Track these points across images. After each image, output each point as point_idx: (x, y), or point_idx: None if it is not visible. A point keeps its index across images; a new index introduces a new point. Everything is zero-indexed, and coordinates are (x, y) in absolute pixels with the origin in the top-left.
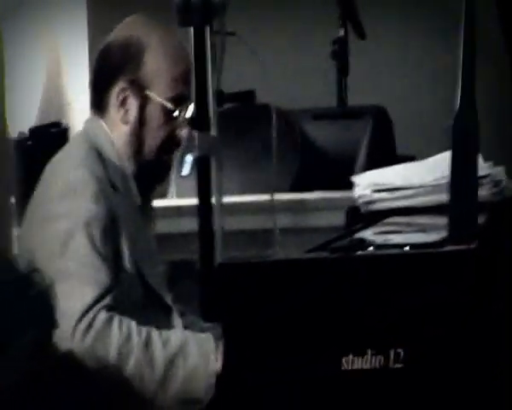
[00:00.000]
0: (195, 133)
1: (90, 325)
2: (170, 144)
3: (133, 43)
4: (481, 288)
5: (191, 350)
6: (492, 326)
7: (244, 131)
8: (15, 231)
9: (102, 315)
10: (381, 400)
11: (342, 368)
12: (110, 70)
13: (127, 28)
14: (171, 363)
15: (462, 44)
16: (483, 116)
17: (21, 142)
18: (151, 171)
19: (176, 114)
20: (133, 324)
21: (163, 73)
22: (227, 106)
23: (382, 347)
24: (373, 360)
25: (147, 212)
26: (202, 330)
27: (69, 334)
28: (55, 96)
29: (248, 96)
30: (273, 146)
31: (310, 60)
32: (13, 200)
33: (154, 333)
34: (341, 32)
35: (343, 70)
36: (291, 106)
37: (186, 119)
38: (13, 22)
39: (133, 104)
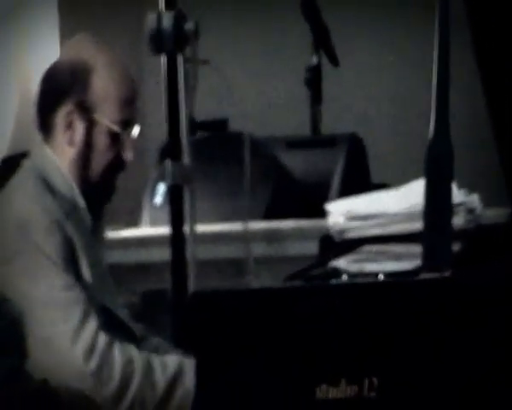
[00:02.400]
0: (168, 162)
1: (91, 349)
2: (115, 166)
3: (80, 65)
4: (456, 316)
5: (188, 372)
6: (468, 354)
7: (217, 159)
8: None
9: (103, 338)
10: None
11: (316, 397)
12: (56, 92)
13: (74, 50)
14: (170, 385)
15: (436, 71)
16: (457, 143)
17: None
18: (97, 192)
19: (122, 136)
20: (133, 348)
21: (110, 96)
22: (199, 134)
23: (356, 376)
24: (347, 390)
25: (98, 233)
26: (167, 353)
27: (66, 359)
28: (26, 125)
29: (221, 124)
30: (246, 174)
31: (284, 88)
32: None
33: (153, 357)
34: (314, 60)
35: (316, 98)
36: (264, 134)
37: (132, 141)
38: None
39: (79, 127)
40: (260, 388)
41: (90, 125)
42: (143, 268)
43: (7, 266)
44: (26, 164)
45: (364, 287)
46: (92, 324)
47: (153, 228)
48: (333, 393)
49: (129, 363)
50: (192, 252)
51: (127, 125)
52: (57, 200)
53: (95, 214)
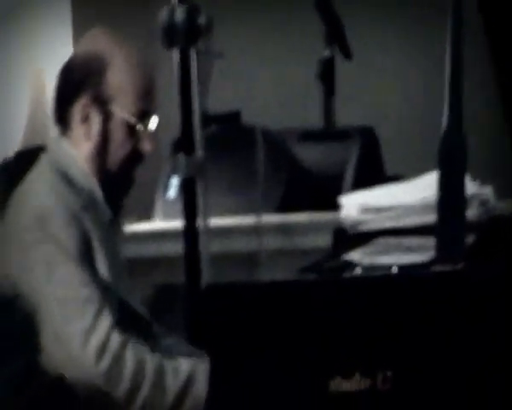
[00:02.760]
0: (181, 155)
1: (103, 349)
2: (133, 158)
3: (95, 59)
4: (469, 309)
5: (200, 378)
6: (481, 347)
7: (230, 152)
8: None
9: (116, 338)
10: None
11: (330, 390)
12: (73, 86)
13: (89, 43)
14: (182, 391)
15: (450, 63)
16: (471, 134)
17: (6, 166)
18: (115, 185)
19: (139, 128)
20: (146, 350)
21: (126, 89)
22: (213, 127)
23: (370, 369)
24: (361, 383)
25: (116, 226)
26: (181, 353)
27: (78, 357)
28: (39, 120)
29: (234, 117)
30: (259, 167)
31: (297, 80)
32: None
33: (165, 361)
34: (327, 53)
35: (330, 91)
36: (277, 127)
37: (149, 132)
38: None
39: (96, 120)
40: (274, 380)
41: (107, 117)
42: (157, 262)
43: (23, 257)
44: (44, 158)
45: (378, 280)
46: (106, 323)
47: (166, 221)
48: (346, 386)
49: (141, 366)
50: (205, 245)
51: (144, 116)
52: (75, 193)
53: (113, 207)
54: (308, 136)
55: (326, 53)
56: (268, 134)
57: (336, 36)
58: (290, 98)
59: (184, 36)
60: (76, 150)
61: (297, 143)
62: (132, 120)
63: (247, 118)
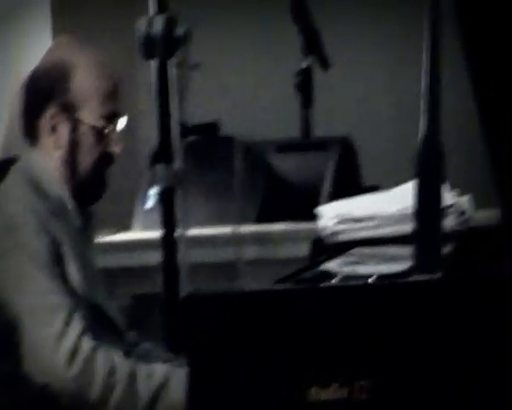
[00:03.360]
0: (159, 166)
1: (74, 354)
2: (104, 161)
3: (59, 67)
4: (447, 318)
5: (174, 384)
6: (459, 356)
7: (208, 163)
8: None
9: (87, 343)
10: None
11: (308, 400)
12: (38, 97)
13: (53, 52)
14: (154, 396)
15: (426, 71)
16: (448, 144)
17: None
18: (89, 189)
19: (107, 131)
20: (118, 355)
21: (92, 92)
22: (191, 138)
23: (348, 378)
24: (338, 392)
25: (88, 233)
26: (158, 359)
27: (48, 363)
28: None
29: (212, 128)
30: (237, 178)
31: (275, 91)
32: None
33: (138, 365)
34: (305, 63)
35: (307, 101)
36: (255, 137)
37: (117, 134)
38: None
39: (64, 129)
40: (252, 390)
41: (75, 125)
42: (135, 272)
43: None
44: (16, 167)
45: (356, 289)
46: (76, 329)
47: (145, 232)
48: (324, 395)
49: (112, 370)
50: (184, 255)
51: (112, 118)
52: (46, 201)
53: (86, 213)
54: (286, 146)
55: (303, 64)
56: (246, 145)
57: (313, 47)
58: (268, 109)
59: (162, 47)
60: (46, 159)
61: (275, 153)
62: (100, 124)
63: (226, 129)
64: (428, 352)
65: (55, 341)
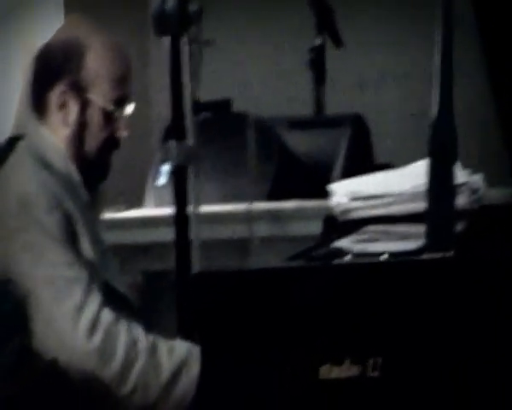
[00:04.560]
0: (172, 142)
1: (95, 325)
2: (110, 145)
3: (73, 45)
4: (459, 296)
5: (195, 361)
6: (471, 334)
7: (220, 140)
8: None
9: (107, 315)
10: (358, 409)
11: (320, 377)
12: (50, 72)
13: (67, 30)
14: (176, 371)
15: (440, 51)
16: (461, 123)
17: None
18: (93, 170)
19: (116, 114)
20: (140, 328)
21: (104, 75)
22: (203, 115)
23: (360, 355)
24: (351, 369)
25: (95, 210)
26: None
27: (70, 336)
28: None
29: (224, 104)
30: (249, 155)
31: (287, 67)
32: None
33: (160, 340)
34: (318, 41)
35: (320, 79)
36: (268, 114)
37: (126, 118)
38: None
39: (73, 107)
40: (264, 368)
41: (84, 104)
42: (147, 249)
43: (8, 243)
44: (22, 144)
45: (368, 267)
46: (95, 301)
47: (157, 208)
48: (336, 372)
49: (134, 343)
50: (196, 232)
51: (121, 103)
52: (55, 177)
53: (91, 192)
54: (298, 124)
55: (316, 41)
56: (258, 122)
57: (327, 24)
58: (281, 86)
59: (175, 24)
60: (53, 136)
61: (287, 130)
62: (110, 107)
63: (238, 105)
64: (440, 330)
65: (75, 313)
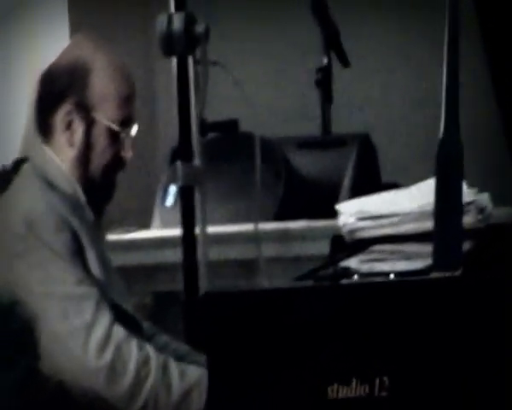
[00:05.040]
0: (179, 163)
1: (106, 342)
2: (115, 165)
3: (78, 65)
4: (467, 316)
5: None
6: (479, 353)
7: (227, 160)
8: None
9: (119, 333)
10: None
11: (327, 397)
12: (55, 93)
13: (71, 49)
14: (187, 394)
15: (446, 70)
16: (468, 142)
17: (4, 174)
18: (98, 190)
19: (121, 135)
20: (151, 347)
21: (109, 96)
22: (210, 135)
23: (368, 375)
24: (358, 389)
25: (100, 230)
26: (175, 352)
27: (80, 353)
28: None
29: (231, 125)
30: (257, 175)
31: (294, 88)
32: None
33: (170, 359)
34: (325, 61)
35: (327, 98)
36: (275, 134)
37: (131, 139)
38: None
39: (79, 127)
40: (272, 388)
41: (90, 124)
42: (155, 269)
43: (17, 263)
44: (27, 166)
45: (375, 287)
46: (106, 317)
47: (164, 229)
48: (344, 392)
49: (146, 361)
50: (203, 253)
51: (126, 123)
52: (60, 197)
53: (96, 213)
54: (305, 144)
55: (323, 61)
56: (266, 142)
57: (333, 44)
58: (288, 106)
59: (182, 44)
60: (59, 157)
61: (294, 151)
62: (115, 126)
63: (245, 126)
64: (448, 349)
65: (86, 330)
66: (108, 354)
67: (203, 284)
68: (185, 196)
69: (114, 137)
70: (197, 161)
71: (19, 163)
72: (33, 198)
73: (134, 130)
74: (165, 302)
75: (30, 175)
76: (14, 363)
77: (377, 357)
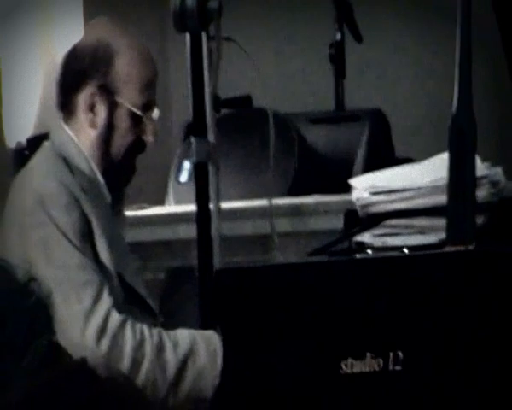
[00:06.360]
0: (193, 140)
1: (102, 330)
2: (136, 148)
3: (102, 48)
4: (480, 289)
5: (199, 350)
6: (492, 326)
7: (241, 136)
8: None
9: (115, 319)
10: (379, 403)
11: (341, 372)
12: (79, 74)
13: (96, 32)
14: (182, 365)
15: (459, 44)
16: (481, 116)
17: (19, 152)
18: (118, 173)
19: (143, 119)
20: (145, 327)
21: (132, 80)
22: (224, 111)
23: (382, 350)
24: (372, 363)
25: (117, 213)
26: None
27: (78, 340)
28: (52, 105)
29: (245, 101)
30: (270, 151)
31: (307, 63)
32: None
33: (164, 335)
34: (338, 36)
35: (340, 73)
36: (288, 110)
37: (152, 123)
38: (8, 31)
39: (101, 109)
40: (286, 363)
41: (112, 107)
42: (169, 245)
43: (24, 239)
44: (47, 143)
45: (389, 261)
46: (105, 305)
47: (178, 205)
48: (358, 367)
49: (140, 345)
50: (217, 228)
51: (148, 107)
52: (76, 177)
53: (114, 195)
54: (319, 119)
55: (336, 36)
56: (279, 118)
57: (346, 19)
58: (301, 82)
59: (196, 20)
60: (79, 137)
61: (308, 126)
62: (137, 110)
63: (259, 102)
64: (461, 322)
65: (84, 318)
66: (105, 345)
67: (217, 260)
68: (199, 172)
69: (136, 121)
70: (211, 137)
71: (35, 140)
72: (47, 175)
73: (156, 114)
74: (180, 278)
75: (48, 152)
76: (33, 339)
77: (391, 331)
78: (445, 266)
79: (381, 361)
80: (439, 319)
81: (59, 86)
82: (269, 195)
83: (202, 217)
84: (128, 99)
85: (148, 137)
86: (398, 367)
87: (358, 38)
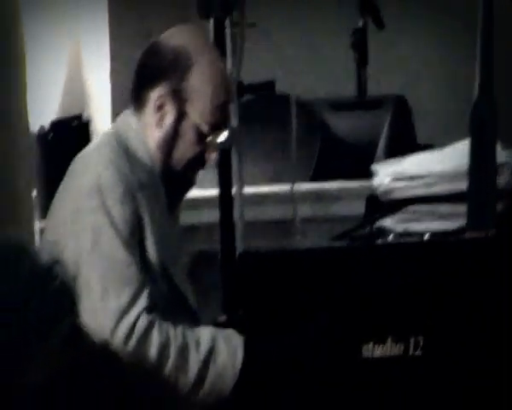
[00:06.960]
0: None
1: (131, 331)
2: (196, 163)
3: (184, 54)
4: (501, 274)
5: (220, 349)
6: None
7: (264, 121)
8: (37, 224)
9: (144, 320)
10: (399, 387)
11: (362, 356)
12: (155, 71)
13: (180, 36)
14: (203, 365)
15: (480, 32)
16: (502, 103)
17: (43, 135)
18: (176, 182)
19: (208, 138)
20: (171, 328)
21: (205, 95)
22: (247, 97)
23: (403, 334)
24: (393, 348)
25: (173, 212)
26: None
27: (108, 335)
28: (76, 89)
29: (268, 86)
30: (293, 136)
31: (330, 49)
32: (34, 193)
33: (187, 336)
34: (360, 23)
35: (362, 60)
36: (311, 96)
37: (217, 144)
38: (34, 16)
39: (170, 113)
40: (307, 346)
41: (181, 115)
42: (193, 229)
43: (75, 223)
44: (110, 130)
45: (410, 246)
46: (140, 306)
47: (202, 190)
48: (379, 351)
49: (164, 347)
50: (240, 213)
51: (216, 128)
52: (135, 169)
53: (170, 203)
54: (341, 105)
55: (359, 23)
56: (302, 103)
57: (369, 6)
58: (324, 68)
59: (219, 6)
60: (145, 131)
61: (330, 112)
62: (205, 128)
63: (281, 87)
64: (482, 308)
65: (118, 316)
66: (132, 343)
67: (240, 244)
68: (222, 157)
69: (201, 137)
70: (234, 122)
71: (59, 124)
72: (107, 163)
73: (222, 136)
74: (203, 262)
75: (111, 140)
76: (57, 320)
77: (412, 316)
78: (466, 252)
79: (401, 346)
80: (460, 305)
81: (135, 78)
82: (291, 180)
83: (225, 201)
84: (196, 113)
85: (210, 156)
86: (418, 352)
87: (380, 26)
